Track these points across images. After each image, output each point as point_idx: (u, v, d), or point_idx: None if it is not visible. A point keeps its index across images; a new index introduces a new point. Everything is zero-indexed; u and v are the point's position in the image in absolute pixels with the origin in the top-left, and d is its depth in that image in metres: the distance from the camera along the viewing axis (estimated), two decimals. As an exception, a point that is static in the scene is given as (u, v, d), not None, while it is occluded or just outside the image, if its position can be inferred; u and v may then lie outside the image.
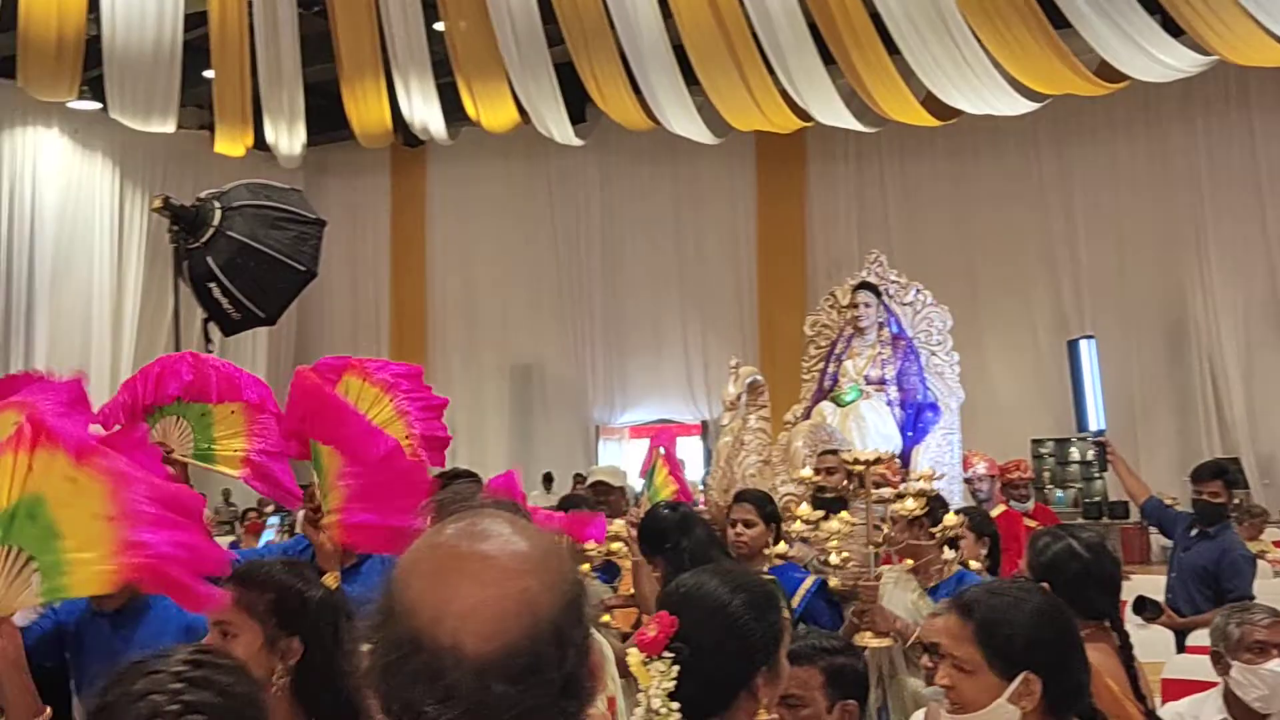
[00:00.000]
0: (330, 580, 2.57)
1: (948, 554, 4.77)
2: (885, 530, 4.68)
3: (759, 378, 9.60)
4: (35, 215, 17.73)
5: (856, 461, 4.64)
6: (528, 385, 20.27)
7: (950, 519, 4.80)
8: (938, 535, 4.72)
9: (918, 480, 4.94)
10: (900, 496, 4.71)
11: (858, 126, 15.63)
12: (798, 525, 4.85)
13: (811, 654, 2.96)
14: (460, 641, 1.22)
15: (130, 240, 18.78)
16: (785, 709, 2.85)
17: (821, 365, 10.53)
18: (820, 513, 4.83)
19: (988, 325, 16.91)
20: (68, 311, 17.94)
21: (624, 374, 19.83)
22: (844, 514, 4.58)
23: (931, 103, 14.93)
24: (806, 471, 5.46)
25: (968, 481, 8.61)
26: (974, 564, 5.35)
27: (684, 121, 16.16)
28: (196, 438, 3.83)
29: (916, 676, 4.48)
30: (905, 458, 9.82)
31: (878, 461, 4.65)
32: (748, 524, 4.97)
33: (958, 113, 14.97)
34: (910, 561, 4.79)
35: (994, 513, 7.37)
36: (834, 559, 4.48)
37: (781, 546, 5.03)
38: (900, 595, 4.77)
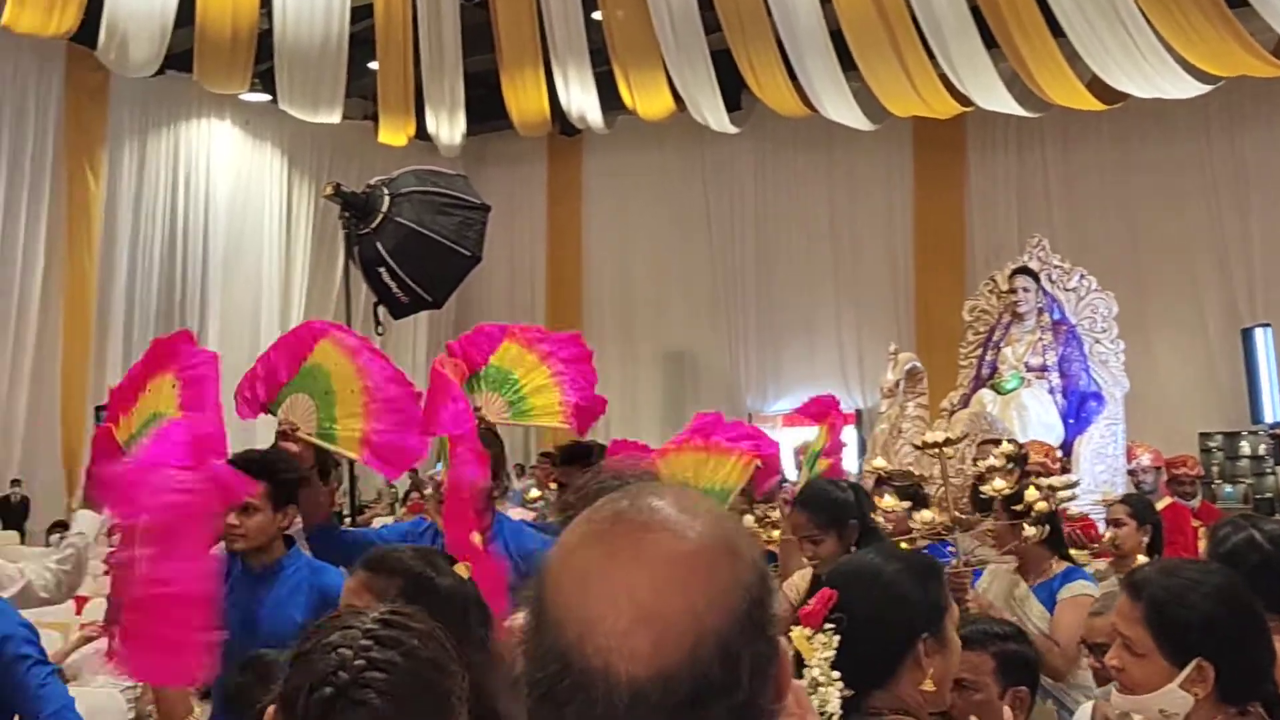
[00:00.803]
0: (462, 570, 2.46)
1: (1029, 531, 4.51)
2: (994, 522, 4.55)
3: (918, 364, 9.46)
4: (209, 204, 18.42)
5: (927, 444, 4.58)
6: (680, 373, 20.35)
7: (1031, 494, 4.51)
8: (1031, 528, 4.50)
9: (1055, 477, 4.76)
10: (989, 473, 4.56)
11: (1020, 111, 15.33)
12: (879, 516, 4.74)
13: (983, 639, 2.96)
14: (612, 665, 1.03)
15: (297, 228, 19.40)
16: (957, 693, 2.85)
17: (979, 352, 10.35)
18: (906, 503, 4.79)
19: (1154, 314, 16.43)
20: (238, 296, 18.59)
21: (777, 361, 19.77)
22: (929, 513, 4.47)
23: (1096, 86, 14.56)
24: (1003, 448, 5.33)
25: (1131, 473, 8.38)
26: (1141, 558, 5.21)
27: (840, 108, 16.04)
28: (320, 416, 3.96)
29: None
30: (1067, 448, 9.61)
31: (948, 443, 4.57)
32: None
33: (1124, 96, 14.57)
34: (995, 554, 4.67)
35: (1159, 505, 7.18)
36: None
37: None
38: (1000, 590, 4.66)
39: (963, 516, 4.64)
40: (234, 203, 18.79)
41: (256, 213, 19.07)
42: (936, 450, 4.56)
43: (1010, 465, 4.65)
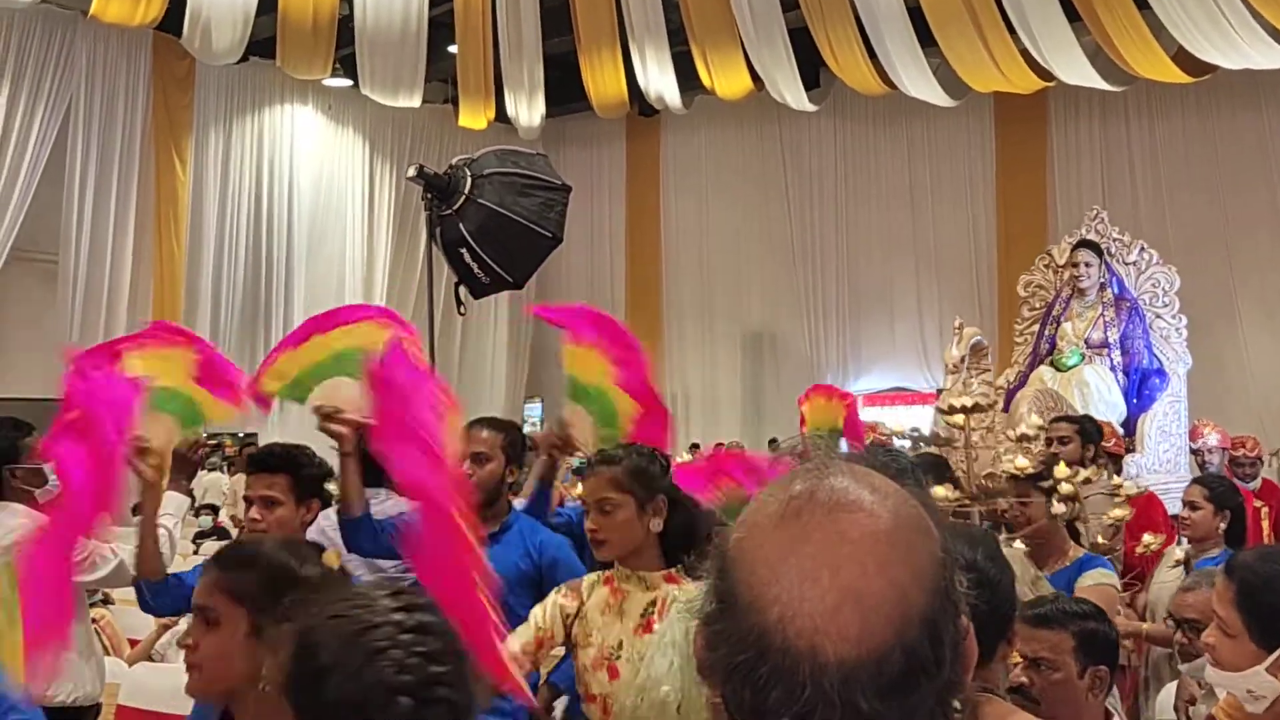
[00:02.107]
0: (331, 559, 2.27)
1: (1058, 509, 4.35)
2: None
3: (982, 339, 9.25)
4: (292, 189, 18.66)
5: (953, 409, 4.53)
6: (760, 353, 20.32)
7: (1061, 470, 4.42)
8: (1060, 505, 4.40)
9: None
10: (1021, 443, 4.49)
11: (1103, 85, 15.08)
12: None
13: (1063, 618, 2.95)
14: (819, 646, 1.01)
15: (380, 212, 19.60)
16: (1035, 672, 2.87)
17: (1037, 328, 10.10)
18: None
19: (1243, 290, 16.11)
20: (322, 280, 18.84)
21: (857, 341, 19.67)
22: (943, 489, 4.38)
23: (1183, 58, 14.28)
24: (1034, 420, 5.29)
25: (1195, 453, 8.15)
26: (1214, 551, 5.09)
27: (920, 84, 15.89)
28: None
29: None
30: (1130, 425, 9.40)
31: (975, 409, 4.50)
32: None
33: (1211, 68, 14.27)
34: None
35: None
36: None
37: None
38: (1017, 575, 4.57)
39: (981, 491, 4.58)
40: (317, 188, 19.03)
41: (339, 197, 19.31)
42: (962, 418, 4.51)
43: (1039, 436, 4.58)
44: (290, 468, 3.79)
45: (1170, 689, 4.32)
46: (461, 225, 5.53)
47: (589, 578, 3.32)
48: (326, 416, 3.62)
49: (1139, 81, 15.18)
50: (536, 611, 3.30)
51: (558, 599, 3.28)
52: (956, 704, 1.09)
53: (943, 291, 18.84)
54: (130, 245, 16.64)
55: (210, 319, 17.52)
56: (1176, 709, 4.04)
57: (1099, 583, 4.27)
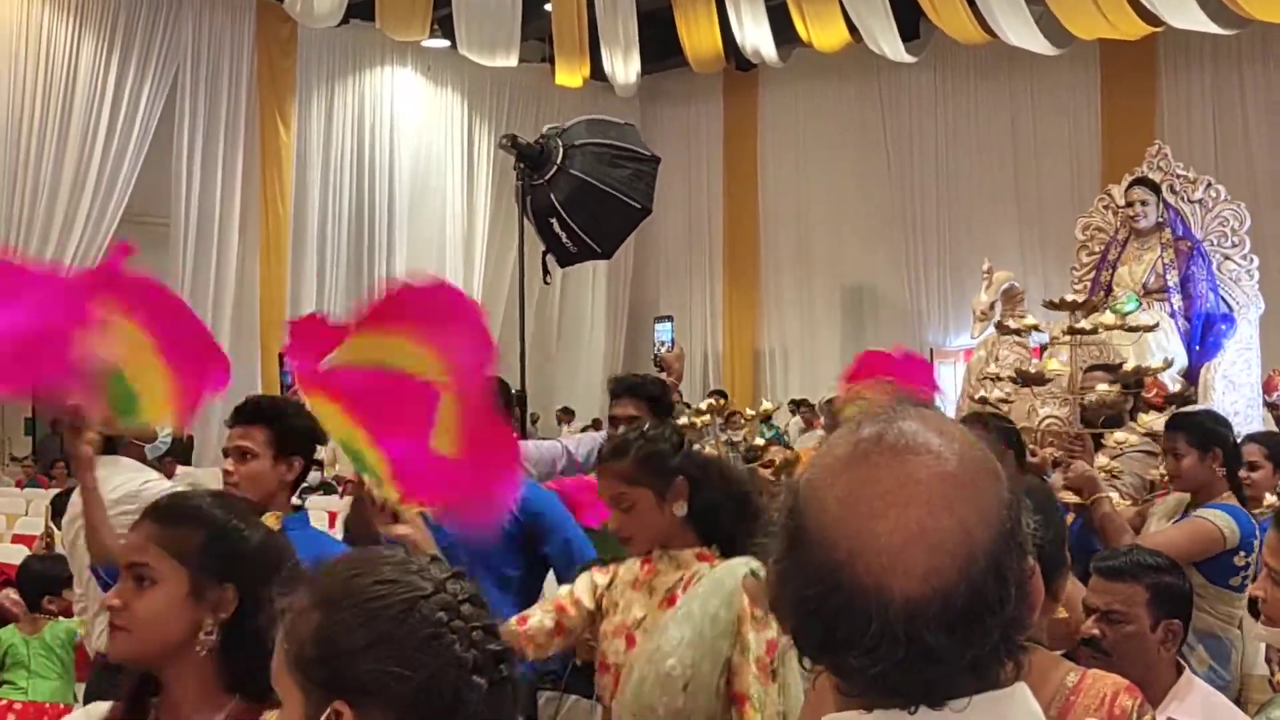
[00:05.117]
0: (271, 520, 2.11)
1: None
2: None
3: (1015, 284, 8.81)
4: (393, 150, 18.90)
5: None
6: (860, 307, 20.15)
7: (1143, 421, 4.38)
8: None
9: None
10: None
11: (1214, 29, 14.62)
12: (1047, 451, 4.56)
13: (1137, 570, 2.93)
14: (886, 582, 1.05)
15: (479, 171, 19.77)
16: (1108, 624, 2.87)
17: (1093, 274, 9.48)
18: None
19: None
20: (423, 239, 19.09)
21: (960, 295, 19.36)
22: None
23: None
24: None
25: (1271, 406, 7.72)
26: (1270, 498, 4.91)
27: (1022, 33, 15.55)
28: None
29: None
30: (1193, 375, 8.79)
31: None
32: None
33: (1333, 7, 13.78)
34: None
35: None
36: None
37: None
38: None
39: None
40: (417, 148, 19.25)
41: (439, 158, 19.51)
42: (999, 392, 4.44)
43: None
44: (271, 419, 3.51)
45: (1260, 647, 4.25)
46: (552, 195, 5.60)
47: (629, 560, 3.14)
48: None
49: (1254, 24, 14.69)
50: (564, 588, 3.21)
51: (592, 575, 3.17)
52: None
53: (1045, 245, 18.47)
54: (237, 208, 17.02)
55: (316, 279, 17.89)
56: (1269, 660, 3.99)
57: (1201, 515, 4.20)
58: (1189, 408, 6.23)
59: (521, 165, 5.67)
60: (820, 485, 1.12)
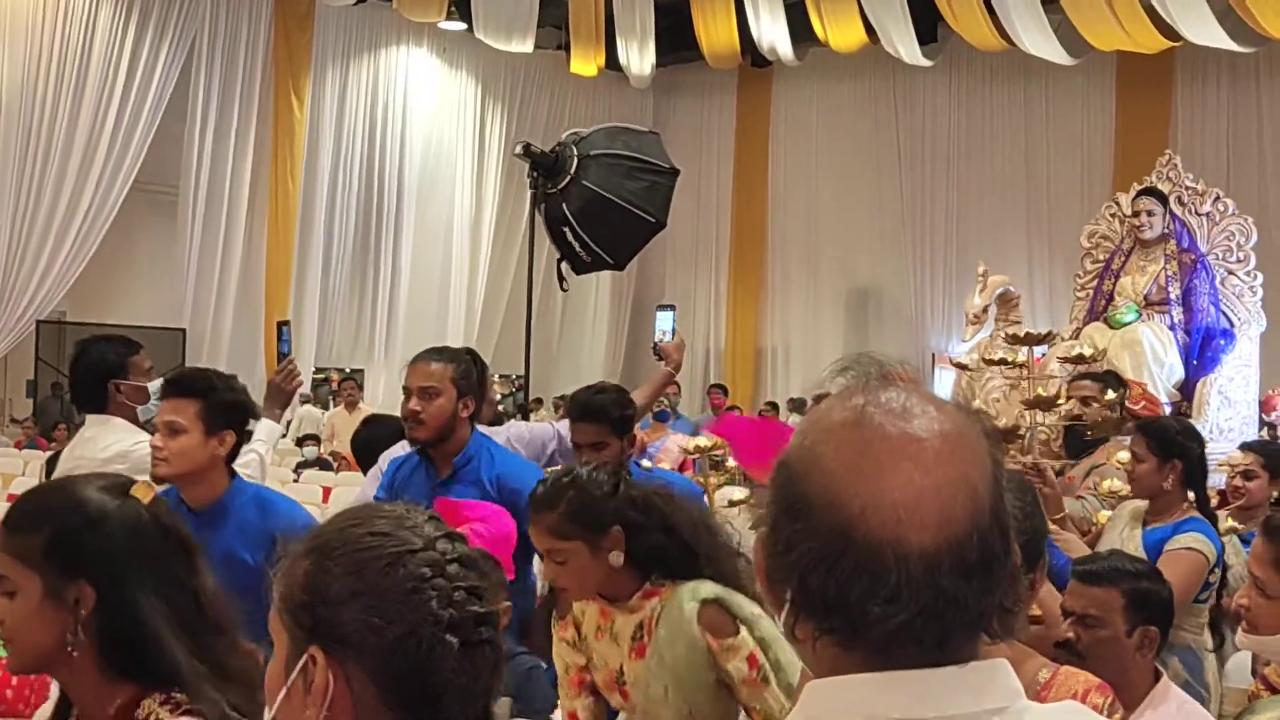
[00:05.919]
0: (141, 490, 2.00)
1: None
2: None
3: (1011, 289, 8.76)
4: (405, 130, 18.86)
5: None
6: (864, 310, 20.15)
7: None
8: None
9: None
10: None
11: (1232, 46, 14.60)
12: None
13: (1114, 575, 2.92)
14: (902, 535, 1.08)
15: (489, 156, 19.72)
16: (1083, 628, 2.87)
17: (1095, 282, 9.43)
18: None
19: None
20: (431, 223, 19.09)
21: (964, 301, 19.38)
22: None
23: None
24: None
25: (1269, 426, 7.66)
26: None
27: (1039, 41, 15.52)
28: None
29: None
30: (1189, 390, 8.74)
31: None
32: None
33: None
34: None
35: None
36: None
37: None
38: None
39: None
40: (429, 130, 19.21)
41: (450, 140, 19.46)
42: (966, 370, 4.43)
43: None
44: (201, 392, 3.44)
45: (1244, 655, 4.25)
46: (565, 205, 5.58)
47: (578, 603, 3.07)
48: None
49: (1271, 42, 14.66)
50: (557, 663, 3.18)
51: (559, 636, 3.13)
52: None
53: (1054, 254, 18.45)
54: (248, 181, 17.01)
55: (322, 255, 17.89)
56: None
57: (1188, 547, 4.16)
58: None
59: (535, 174, 5.65)
60: (822, 450, 1.14)
